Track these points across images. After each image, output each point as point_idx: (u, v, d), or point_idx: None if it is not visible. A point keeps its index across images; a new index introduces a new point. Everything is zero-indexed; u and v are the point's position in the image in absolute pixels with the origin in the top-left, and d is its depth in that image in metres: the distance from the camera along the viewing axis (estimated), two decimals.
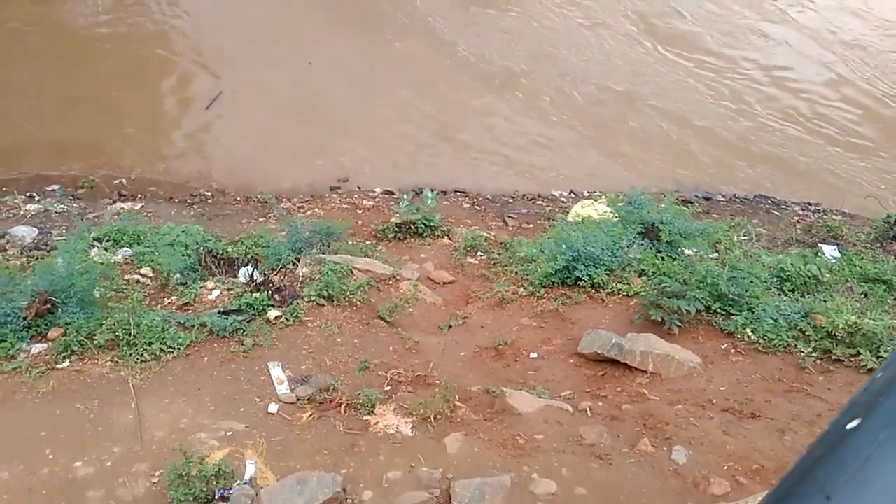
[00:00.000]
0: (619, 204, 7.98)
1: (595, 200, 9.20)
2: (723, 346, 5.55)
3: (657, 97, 12.28)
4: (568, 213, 9.09)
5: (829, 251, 7.29)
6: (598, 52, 13.34)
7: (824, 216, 9.18)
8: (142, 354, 4.74)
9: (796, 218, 9.21)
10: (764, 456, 4.23)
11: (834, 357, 5.19)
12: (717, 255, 7.02)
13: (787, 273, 6.22)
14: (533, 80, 12.22)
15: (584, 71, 12.68)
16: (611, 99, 12.17)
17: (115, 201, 8.43)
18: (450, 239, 8.40)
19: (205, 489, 3.53)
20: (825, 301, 5.67)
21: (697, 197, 9.91)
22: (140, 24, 11.66)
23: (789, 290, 6.14)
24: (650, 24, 14.31)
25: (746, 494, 3.75)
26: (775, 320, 5.53)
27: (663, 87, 12.59)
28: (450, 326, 6.32)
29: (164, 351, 4.82)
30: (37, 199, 8.18)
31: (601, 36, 13.83)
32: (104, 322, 4.84)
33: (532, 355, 5.75)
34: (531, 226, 9.13)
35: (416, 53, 12.28)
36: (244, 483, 3.71)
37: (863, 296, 6.10)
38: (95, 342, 4.74)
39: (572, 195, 10.17)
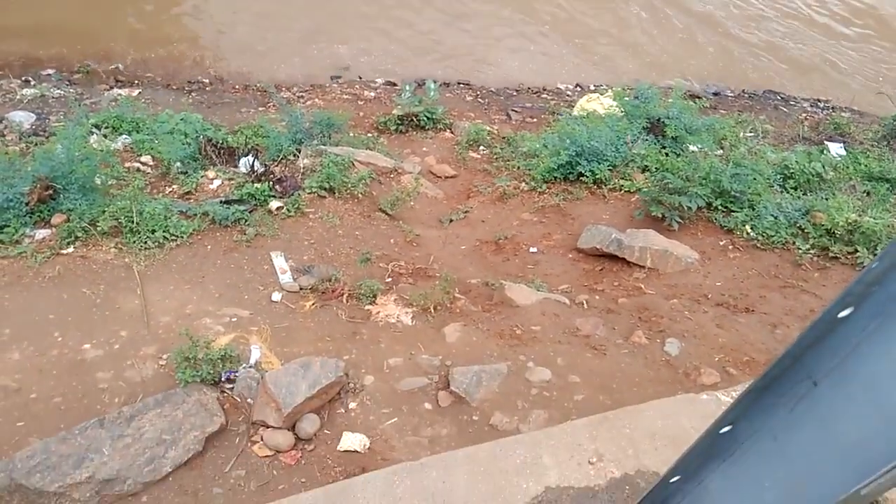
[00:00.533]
0: (626, 98, 7.82)
1: (601, 94, 9.00)
2: (721, 243, 5.59)
3: None
4: (573, 107, 8.91)
5: (835, 149, 7.19)
6: None
7: (833, 113, 9.00)
8: (145, 242, 4.78)
9: (804, 115, 9.03)
10: (755, 348, 4.35)
11: (831, 254, 5.23)
12: (721, 151, 6.94)
13: (791, 170, 6.17)
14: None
15: None
16: None
17: (111, 87, 8.24)
18: (452, 132, 8.28)
19: (211, 371, 3.65)
20: (827, 199, 5.66)
21: (706, 92, 9.69)
22: None
23: (792, 188, 6.11)
24: None
25: (736, 384, 3.87)
26: (775, 217, 5.54)
27: None
28: (451, 220, 6.33)
29: (167, 238, 4.85)
30: (32, 83, 7.99)
31: None
32: (107, 209, 4.84)
33: (532, 249, 5.80)
34: (535, 120, 8.98)
35: None
36: (250, 366, 3.83)
37: (865, 194, 6.08)
38: (99, 229, 4.76)
39: (578, 89, 9.94)
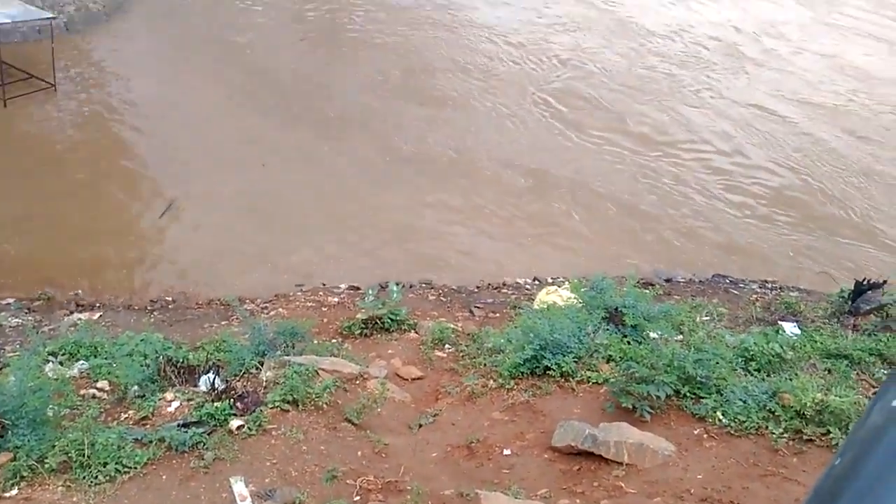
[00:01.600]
0: (583, 289, 8.05)
1: (559, 287, 9.28)
2: (695, 432, 5.50)
3: (599, 183, 12.84)
4: (533, 300, 9.13)
5: (790, 328, 7.40)
6: (531, 140, 14.01)
7: (781, 293, 9.38)
8: (96, 476, 4.51)
9: (755, 296, 9.38)
10: None
11: (805, 437, 5.17)
12: (681, 336, 7.06)
13: (752, 352, 6.27)
14: (475, 171, 12.68)
15: (522, 158, 13.24)
16: (555, 185, 12.63)
17: (72, 312, 8.24)
18: (417, 333, 8.32)
19: None
20: (790, 379, 5.70)
21: (658, 278, 10.07)
22: (97, 134, 11.77)
23: (755, 370, 6.17)
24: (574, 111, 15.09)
25: None
26: (744, 402, 5.52)
27: (601, 171, 13.17)
28: (420, 425, 6.17)
29: (119, 471, 4.59)
30: None
31: (536, 125, 14.49)
32: (56, 443, 4.62)
33: (505, 452, 5.62)
34: (498, 315, 9.12)
35: (363, 151, 12.68)
36: None
37: (826, 372, 6.16)
38: (47, 466, 4.51)
39: (536, 282, 10.24)
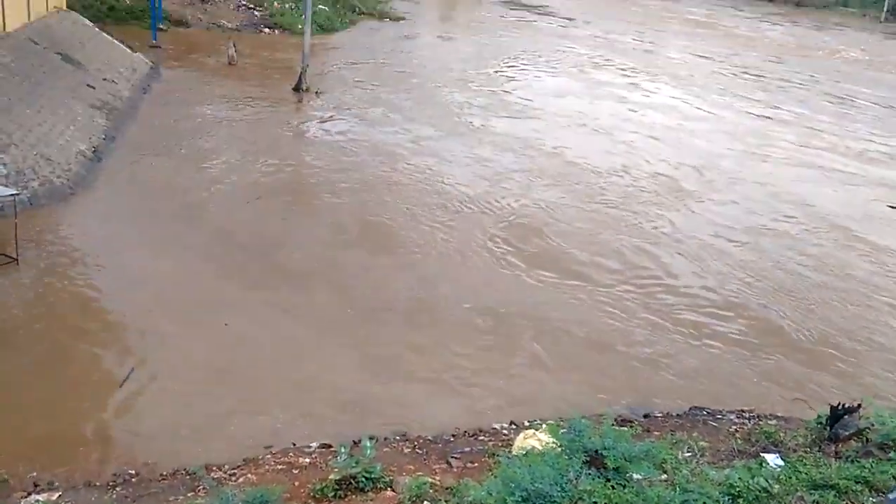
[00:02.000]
0: (561, 432, 7.90)
1: (536, 430, 9.10)
2: None
3: (560, 317, 13.12)
4: (511, 446, 8.91)
5: (773, 460, 7.31)
6: (488, 280, 14.46)
7: (760, 422, 9.34)
8: None
9: (734, 427, 9.33)
10: None
11: None
12: (665, 476, 6.90)
13: (738, 488, 6.13)
14: (438, 315, 12.85)
15: (482, 298, 13.53)
16: (517, 323, 12.86)
17: (29, 493, 7.76)
18: (393, 490, 7.99)
19: None
20: None
21: (636, 415, 9.97)
22: (56, 306, 11.66)
23: None
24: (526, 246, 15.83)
25: None
26: None
27: (560, 306, 13.52)
28: None
29: None
30: None
31: (492, 265, 15.09)
32: None
33: None
34: (476, 464, 8.85)
35: (327, 304, 12.79)
36: None
37: None
38: None
39: (513, 426, 10.05)
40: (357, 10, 47.23)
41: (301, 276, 13.56)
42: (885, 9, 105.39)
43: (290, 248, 14.67)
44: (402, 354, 11.54)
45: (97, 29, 26.72)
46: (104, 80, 22.14)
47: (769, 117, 32.44)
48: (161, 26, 31.65)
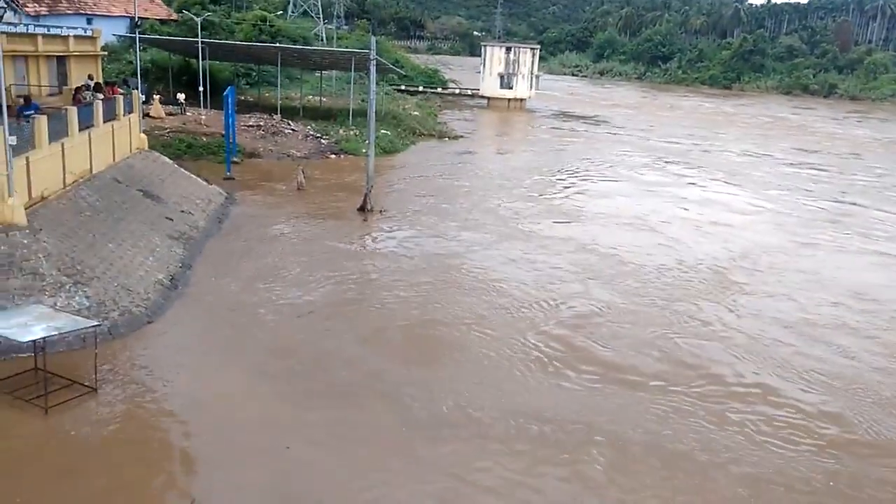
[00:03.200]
0: None
1: None
2: None
3: (616, 426, 12.71)
4: None
5: None
6: (536, 386, 14.23)
7: None
8: None
9: None
10: None
11: None
12: None
13: None
14: (488, 427, 12.56)
15: (530, 406, 13.30)
16: (573, 433, 12.46)
17: None
18: None
19: None
20: None
21: None
22: (130, 436, 11.84)
23: None
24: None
25: None
26: None
27: (614, 413, 13.20)
28: None
29: None
30: None
31: (538, 370, 14.72)
32: None
33: None
34: None
35: (382, 420, 12.63)
36: None
37: None
38: None
39: None
40: (417, 131, 49.40)
41: (354, 390, 13.51)
42: None
43: (340, 360, 14.78)
44: (463, 473, 11.13)
45: (176, 165, 28.59)
46: (181, 211, 23.46)
47: (823, 209, 32.47)
48: (235, 159, 33.67)
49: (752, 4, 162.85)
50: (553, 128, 61.29)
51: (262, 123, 41.85)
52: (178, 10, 67.03)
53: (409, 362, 15.01)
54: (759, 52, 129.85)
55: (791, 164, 46.72)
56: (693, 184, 37.29)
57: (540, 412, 13.00)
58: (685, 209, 30.97)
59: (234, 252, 21.37)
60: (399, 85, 72.14)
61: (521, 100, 75.94)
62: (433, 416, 12.76)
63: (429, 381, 14.12)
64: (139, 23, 39.57)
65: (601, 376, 14.65)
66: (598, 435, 12.35)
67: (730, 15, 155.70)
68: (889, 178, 42.65)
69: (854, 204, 34.09)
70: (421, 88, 75.98)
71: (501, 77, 75.78)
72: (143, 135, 28.50)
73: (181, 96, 43.31)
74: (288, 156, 37.41)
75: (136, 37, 34.81)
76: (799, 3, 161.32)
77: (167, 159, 28.86)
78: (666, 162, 44.39)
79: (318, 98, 55.97)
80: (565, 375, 14.62)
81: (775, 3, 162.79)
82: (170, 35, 55.74)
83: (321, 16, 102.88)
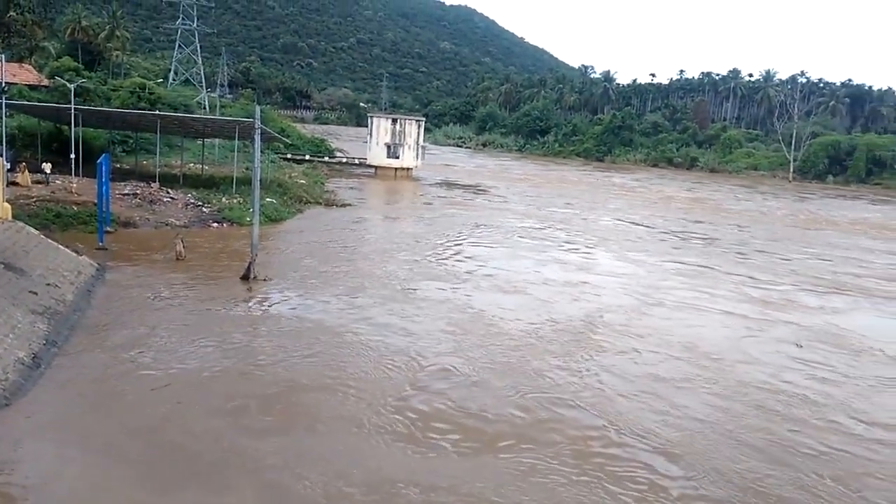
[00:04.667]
0: None
1: None
2: None
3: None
4: None
5: None
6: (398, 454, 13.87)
7: None
8: None
9: None
10: None
11: None
12: None
13: None
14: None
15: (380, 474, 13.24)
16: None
17: None
18: None
19: None
20: None
21: None
22: None
23: None
24: None
25: None
26: None
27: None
28: None
29: None
30: None
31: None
32: None
33: None
34: None
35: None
36: None
37: None
38: None
39: None
40: (304, 199, 49.30)
41: (220, 472, 12.95)
42: (791, 170, 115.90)
43: (210, 437, 14.20)
44: None
45: (42, 236, 27.03)
46: (47, 284, 22.09)
47: (674, 270, 35.18)
48: (108, 229, 32.23)
49: (619, 84, 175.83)
50: (439, 196, 62.87)
51: (138, 191, 40.44)
52: (51, 77, 64.59)
53: (273, 433, 14.58)
54: (627, 128, 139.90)
55: (662, 231, 50.08)
56: (566, 249, 39.36)
57: (408, 480, 13.00)
58: (555, 273, 32.67)
59: (102, 326, 20.29)
60: (285, 153, 72.05)
61: (408, 169, 77.67)
62: (301, 496, 12.39)
63: (293, 454, 13.74)
64: (6, 88, 37.71)
65: (463, 437, 14.93)
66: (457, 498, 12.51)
67: (600, 93, 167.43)
68: (746, 244, 46.50)
69: (709, 267, 36.87)
70: (308, 157, 76.21)
71: (388, 147, 77.42)
72: (6, 204, 26.87)
73: (47, 166, 41.30)
74: (166, 225, 36.21)
75: (0, 102, 33.15)
76: (661, 83, 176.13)
77: (33, 230, 27.23)
78: (543, 229, 46.51)
79: (199, 166, 54.86)
80: (429, 440, 14.71)
81: (640, 84, 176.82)
82: (40, 101, 53.41)
83: (204, 84, 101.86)
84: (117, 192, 38.55)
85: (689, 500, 13.13)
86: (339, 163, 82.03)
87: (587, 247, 40.45)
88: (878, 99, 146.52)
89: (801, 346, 23.10)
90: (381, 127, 77.78)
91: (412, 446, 14.39)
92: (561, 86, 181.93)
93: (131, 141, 56.48)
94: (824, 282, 34.79)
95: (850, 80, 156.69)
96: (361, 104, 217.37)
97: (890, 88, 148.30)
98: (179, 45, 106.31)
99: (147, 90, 65.42)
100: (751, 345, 22.95)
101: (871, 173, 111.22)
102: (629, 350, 21.53)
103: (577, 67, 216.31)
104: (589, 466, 14.02)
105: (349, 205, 51.51)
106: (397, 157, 77.48)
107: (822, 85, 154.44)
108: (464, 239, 40.28)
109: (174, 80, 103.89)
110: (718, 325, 25.44)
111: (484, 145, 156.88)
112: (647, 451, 14.84)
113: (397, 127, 77.57)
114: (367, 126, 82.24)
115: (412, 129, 77.75)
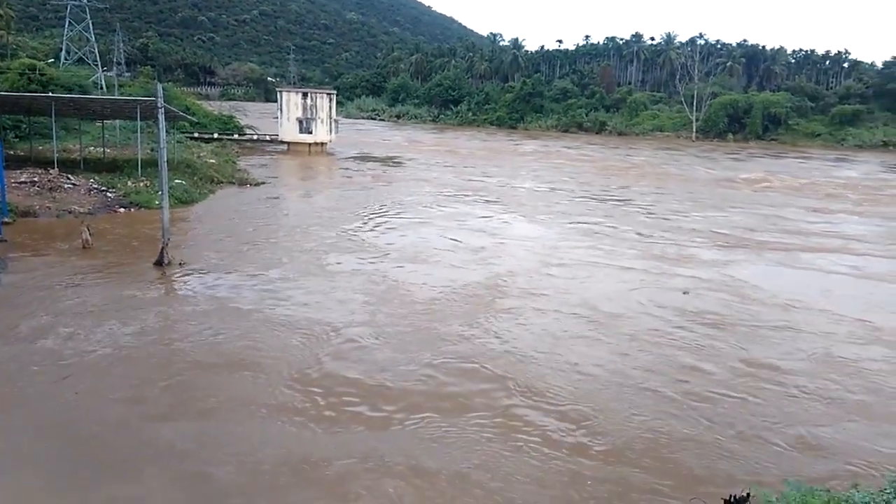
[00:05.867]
0: None
1: None
2: None
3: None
4: None
5: None
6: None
7: None
8: None
9: None
10: None
11: None
12: None
13: None
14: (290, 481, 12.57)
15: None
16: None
17: None
18: None
19: None
20: None
21: None
22: None
23: None
24: None
25: None
26: None
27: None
28: None
29: None
30: None
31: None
32: None
33: None
34: None
35: (169, 494, 12.05)
36: None
37: None
38: None
39: None
40: (215, 179, 48.08)
41: (136, 465, 12.70)
42: (694, 130, 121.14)
43: (120, 427, 13.98)
44: None
45: None
46: None
47: (582, 231, 36.77)
48: (6, 219, 30.68)
49: (528, 51, 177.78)
50: (355, 170, 62.48)
51: (36, 179, 38.42)
52: None
53: (185, 417, 14.52)
54: (537, 95, 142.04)
55: (574, 194, 51.58)
56: (480, 216, 40.12)
57: (325, 459, 13.15)
58: (470, 239, 33.42)
59: (10, 322, 19.50)
60: (192, 132, 69.71)
61: (322, 144, 76.59)
62: (218, 484, 12.30)
63: (206, 439, 13.69)
64: None
65: (370, 408, 15.26)
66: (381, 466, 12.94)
67: (509, 61, 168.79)
68: (651, 204, 48.54)
69: (615, 227, 38.47)
70: (216, 135, 73.94)
71: (300, 122, 76.01)
72: None
73: None
74: (69, 212, 34.69)
75: None
76: (568, 49, 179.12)
77: None
78: (457, 197, 47.12)
79: (101, 149, 52.49)
80: (337, 415, 14.92)
81: (548, 50, 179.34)
82: None
83: (99, 63, 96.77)
84: (13, 180, 36.55)
85: (584, 449, 13.94)
86: (250, 140, 79.98)
87: (501, 213, 41.38)
88: (772, 58, 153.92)
89: (688, 293, 24.83)
90: (292, 101, 76.18)
91: (323, 423, 14.55)
92: (471, 54, 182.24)
93: (24, 126, 53.33)
94: (724, 237, 36.91)
95: (745, 40, 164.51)
96: (269, 78, 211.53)
97: (782, 47, 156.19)
98: (70, 23, 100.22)
99: (38, 71, 61.71)
100: (645, 295, 24.44)
101: (767, 129, 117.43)
102: (533, 309, 22.46)
103: (485, 35, 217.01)
104: (494, 426, 14.62)
105: (263, 183, 50.59)
106: (310, 132, 76.19)
107: (719, 46, 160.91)
108: (379, 212, 40.43)
109: (66, 59, 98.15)
110: (615, 280, 26.85)
111: (398, 117, 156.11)
112: (547, 406, 15.68)
113: (308, 101, 76.14)
114: (276, 101, 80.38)
115: (324, 103, 76.51)
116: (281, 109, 76.92)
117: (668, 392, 16.40)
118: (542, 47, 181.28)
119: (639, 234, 36.44)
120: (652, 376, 17.27)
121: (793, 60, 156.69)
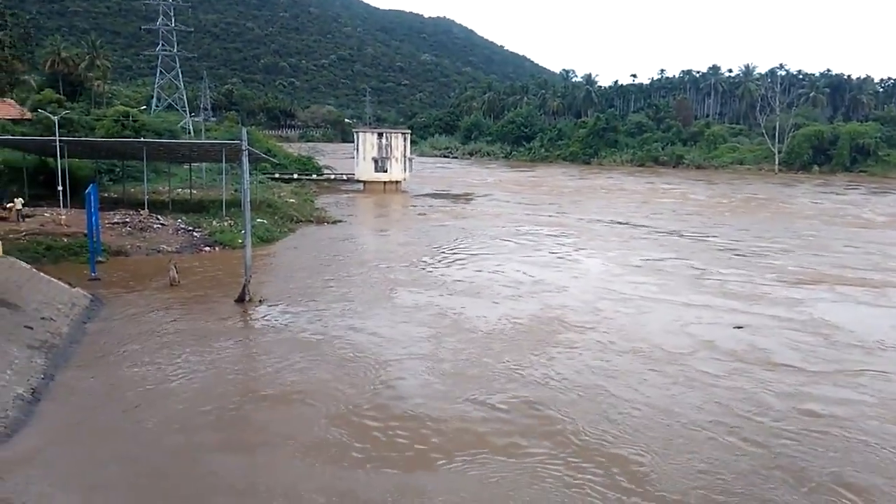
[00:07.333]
0: None
1: None
2: None
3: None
4: None
5: None
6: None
7: None
8: None
9: None
10: None
11: None
12: None
13: None
14: None
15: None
16: None
17: None
18: None
19: None
20: None
21: None
22: None
23: None
24: None
25: None
26: None
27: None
28: None
29: None
30: None
31: None
32: None
33: None
34: None
35: None
36: None
37: None
38: None
39: None
40: (295, 218, 49.30)
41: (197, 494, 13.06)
42: (776, 162, 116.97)
43: (232, 478, 14.02)
44: None
45: (34, 269, 26.92)
46: (42, 318, 21.99)
47: (638, 266, 35.88)
48: (100, 258, 32.11)
49: (601, 86, 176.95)
50: (428, 206, 63.00)
51: (127, 219, 40.33)
52: (33, 109, 64.48)
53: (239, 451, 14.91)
54: (611, 129, 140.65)
55: (651, 229, 50.30)
56: (553, 252, 39.63)
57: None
58: (542, 274, 33.10)
59: (100, 355, 20.22)
60: (273, 173, 72.06)
61: (397, 182, 77.76)
62: None
63: (254, 472, 13.87)
64: None
65: (424, 447, 15.08)
66: None
67: (582, 96, 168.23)
68: (742, 242, 46.70)
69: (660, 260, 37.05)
70: (296, 176, 76.22)
71: (375, 161, 77.49)
72: None
73: (18, 201, 39.01)
74: (158, 251, 36.11)
75: None
76: (642, 83, 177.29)
77: (24, 264, 27.12)
78: (530, 233, 46.70)
79: (188, 191, 54.78)
80: (398, 451, 14.91)
81: (622, 85, 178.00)
82: (24, 135, 53.28)
83: (187, 109, 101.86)
84: (107, 221, 38.43)
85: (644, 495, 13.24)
86: (328, 180, 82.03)
87: (573, 249, 40.66)
88: (858, 87, 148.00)
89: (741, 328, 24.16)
90: (368, 141, 77.86)
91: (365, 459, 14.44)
92: (543, 91, 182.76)
93: (118, 169, 56.37)
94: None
95: (828, 70, 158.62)
96: (346, 120, 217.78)
97: (868, 76, 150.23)
98: (160, 71, 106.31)
99: (131, 118, 65.41)
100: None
101: (855, 161, 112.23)
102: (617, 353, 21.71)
103: (558, 72, 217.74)
104: (550, 465, 14.18)
105: (340, 221, 51.52)
106: (385, 171, 77.55)
107: (801, 76, 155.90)
108: (451, 248, 40.42)
109: (157, 106, 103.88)
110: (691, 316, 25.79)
111: (471, 154, 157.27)
112: (603, 443, 15.20)
113: (383, 141, 77.67)
114: (352, 142, 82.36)
115: (398, 142, 77.86)
116: (357, 149, 78.66)
117: (733, 440, 15.38)
118: (616, 82, 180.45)
119: (722, 271, 34.94)
120: (715, 421, 16.42)
121: (881, 89, 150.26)
